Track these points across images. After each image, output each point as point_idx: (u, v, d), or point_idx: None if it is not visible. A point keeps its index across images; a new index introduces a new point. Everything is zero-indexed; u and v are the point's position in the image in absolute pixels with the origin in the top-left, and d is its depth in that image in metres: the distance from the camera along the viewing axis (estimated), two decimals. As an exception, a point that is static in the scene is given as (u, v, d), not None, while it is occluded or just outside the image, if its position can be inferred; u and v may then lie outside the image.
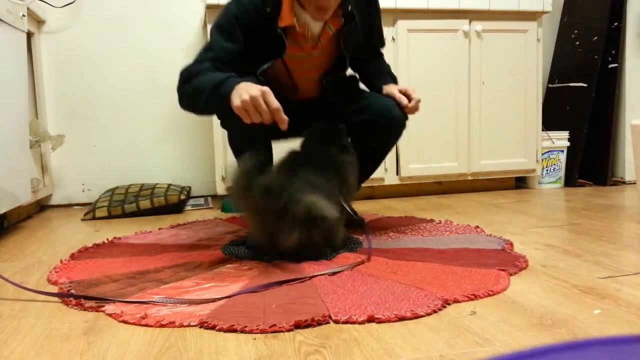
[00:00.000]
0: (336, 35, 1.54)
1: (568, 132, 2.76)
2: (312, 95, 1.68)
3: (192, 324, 0.94)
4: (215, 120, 1.88)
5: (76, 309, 1.05)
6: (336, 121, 1.59)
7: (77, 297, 1.08)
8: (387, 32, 2.18)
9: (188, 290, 1.13)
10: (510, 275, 1.19)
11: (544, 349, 0.34)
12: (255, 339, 0.88)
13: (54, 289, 1.18)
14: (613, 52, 2.76)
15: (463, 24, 2.45)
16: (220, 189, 2.28)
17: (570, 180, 2.76)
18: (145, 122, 2.60)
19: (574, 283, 1.13)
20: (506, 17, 2.51)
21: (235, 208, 1.42)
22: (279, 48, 1.47)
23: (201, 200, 2.53)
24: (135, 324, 0.95)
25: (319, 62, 1.60)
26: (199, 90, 1.36)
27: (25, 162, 1.97)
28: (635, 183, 2.66)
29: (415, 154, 2.44)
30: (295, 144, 1.57)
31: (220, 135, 2.23)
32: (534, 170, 2.65)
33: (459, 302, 1.03)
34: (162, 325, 0.94)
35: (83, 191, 2.57)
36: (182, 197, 2.28)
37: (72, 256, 1.48)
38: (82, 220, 2.15)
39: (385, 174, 2.40)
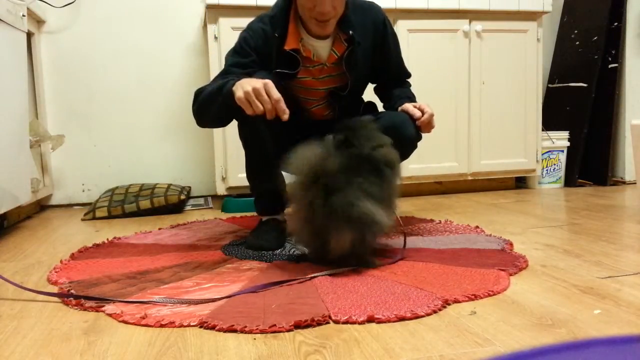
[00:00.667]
0: (341, 59, 1.57)
1: (568, 132, 2.76)
2: (323, 117, 1.69)
3: (192, 324, 0.94)
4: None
5: (76, 309, 1.05)
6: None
7: (77, 297, 1.08)
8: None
9: (188, 290, 1.13)
10: (510, 275, 1.19)
11: (544, 349, 0.34)
12: (255, 339, 0.88)
13: (54, 289, 1.18)
14: (613, 52, 2.76)
15: (463, 24, 2.45)
16: (220, 189, 2.28)
17: (570, 180, 2.76)
18: (145, 122, 2.60)
19: (574, 283, 1.13)
20: (506, 17, 2.51)
21: (289, 201, 1.34)
22: (292, 68, 1.52)
23: (201, 200, 2.53)
24: (135, 324, 0.95)
25: (326, 86, 1.63)
26: (207, 99, 1.42)
27: (25, 162, 1.97)
28: (635, 183, 2.66)
29: (415, 153, 2.41)
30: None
31: (220, 135, 2.23)
32: (534, 170, 2.65)
33: (459, 302, 1.03)
34: (162, 325, 0.94)
35: (83, 191, 2.57)
36: (182, 197, 2.28)
37: (72, 256, 1.48)
38: (82, 220, 2.15)
39: (385, 174, 2.39)
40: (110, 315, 1.00)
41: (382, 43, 1.63)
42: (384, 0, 2.20)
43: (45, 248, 1.63)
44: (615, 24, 2.76)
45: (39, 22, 2.43)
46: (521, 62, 2.57)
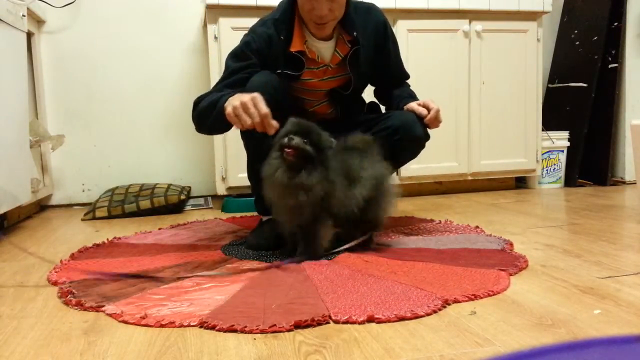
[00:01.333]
0: (344, 60, 1.58)
1: (568, 132, 2.76)
2: (325, 116, 1.70)
3: (192, 324, 0.94)
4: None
5: (76, 309, 1.05)
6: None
7: (76, 297, 1.08)
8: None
9: (188, 290, 1.13)
10: (510, 275, 1.19)
11: (544, 349, 0.34)
12: (255, 339, 0.88)
13: (54, 289, 1.18)
14: (613, 52, 2.76)
15: (463, 24, 2.45)
16: (220, 189, 2.28)
17: (570, 180, 2.76)
18: (145, 122, 2.60)
19: (574, 283, 1.13)
20: (506, 17, 2.51)
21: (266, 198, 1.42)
22: (296, 69, 1.53)
23: (201, 200, 2.53)
24: (135, 324, 0.95)
25: (329, 87, 1.63)
26: (202, 114, 1.44)
27: (25, 162, 1.97)
28: (635, 183, 2.66)
29: (415, 154, 2.44)
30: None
31: (220, 135, 2.23)
32: (534, 170, 2.65)
33: (459, 302, 1.03)
34: (162, 325, 0.94)
35: (83, 191, 2.57)
36: (182, 197, 2.28)
37: (72, 256, 1.48)
38: (82, 220, 2.15)
39: (385, 174, 2.39)
40: (110, 315, 1.00)
41: (383, 44, 1.64)
42: (384, 0, 2.21)
43: (45, 248, 1.63)
44: (615, 24, 2.75)
45: (39, 22, 2.43)
46: (521, 62, 2.57)
